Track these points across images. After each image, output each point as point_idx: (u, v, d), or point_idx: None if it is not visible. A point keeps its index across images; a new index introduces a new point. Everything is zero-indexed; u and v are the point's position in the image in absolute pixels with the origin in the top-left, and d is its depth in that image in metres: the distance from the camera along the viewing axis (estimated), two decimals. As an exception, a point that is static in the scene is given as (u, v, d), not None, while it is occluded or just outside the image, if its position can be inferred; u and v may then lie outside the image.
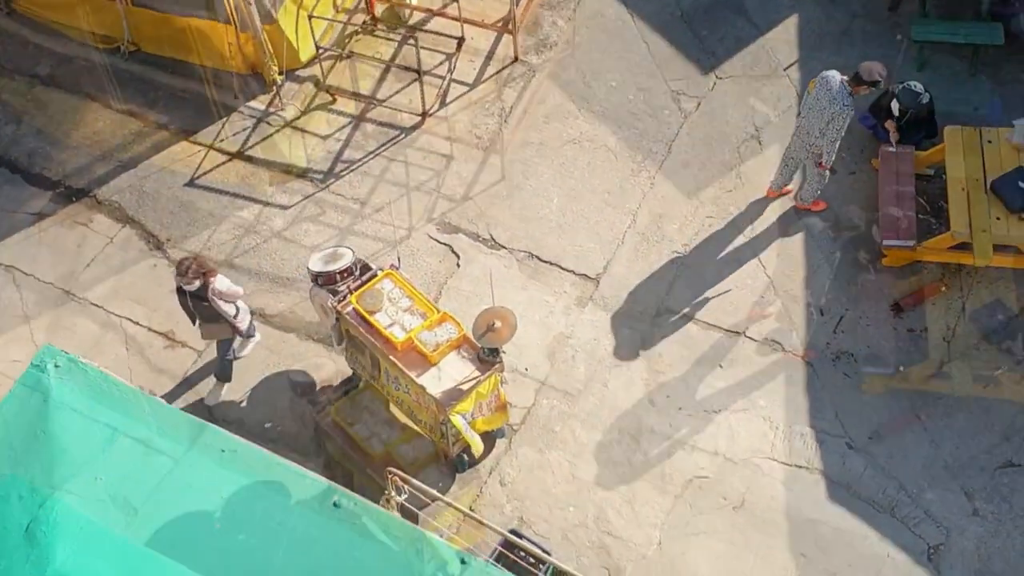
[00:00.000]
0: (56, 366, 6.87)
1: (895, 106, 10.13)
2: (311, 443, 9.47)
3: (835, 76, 9.38)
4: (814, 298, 9.92)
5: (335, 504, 6.42)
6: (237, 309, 9.38)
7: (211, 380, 9.74)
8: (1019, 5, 11.13)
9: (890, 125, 10.20)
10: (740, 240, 10.30)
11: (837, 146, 9.57)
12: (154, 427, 6.72)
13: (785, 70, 11.25)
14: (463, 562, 6.21)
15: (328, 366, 9.85)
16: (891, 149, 10.11)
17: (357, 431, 9.31)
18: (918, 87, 10.17)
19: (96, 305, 10.30)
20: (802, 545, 8.79)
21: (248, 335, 9.70)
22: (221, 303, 9.18)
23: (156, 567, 6.07)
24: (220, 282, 9.14)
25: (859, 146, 10.65)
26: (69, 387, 6.83)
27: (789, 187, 10.38)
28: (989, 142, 9.88)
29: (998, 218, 9.51)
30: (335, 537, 6.32)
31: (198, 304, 9.20)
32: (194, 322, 9.42)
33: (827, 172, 9.86)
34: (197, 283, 9.02)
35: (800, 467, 9.16)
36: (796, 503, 8.98)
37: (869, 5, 11.57)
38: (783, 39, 11.44)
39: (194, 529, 6.29)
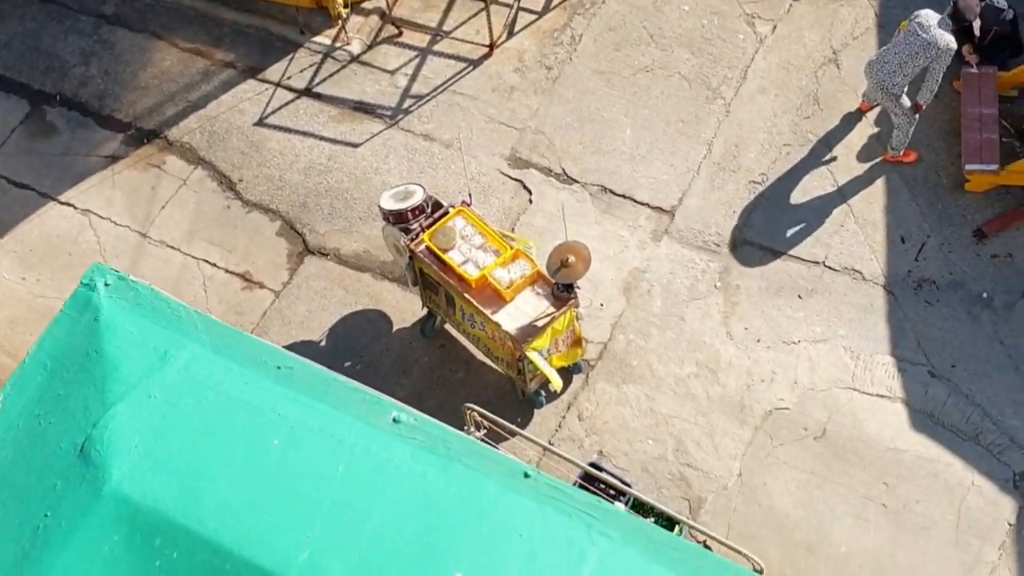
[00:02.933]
0: (106, 284, 6.71)
1: (976, 25, 9.77)
2: (391, 371, 9.55)
3: (931, 16, 9.02)
4: (895, 225, 9.74)
5: (395, 420, 6.25)
6: None
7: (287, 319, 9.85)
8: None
9: (967, 50, 9.84)
10: (819, 168, 10.10)
11: (937, 87, 9.27)
12: (207, 344, 6.51)
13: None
14: (526, 476, 6.11)
15: (403, 305, 9.91)
16: (973, 70, 9.80)
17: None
18: (1001, 3, 9.80)
19: (172, 247, 10.42)
20: (885, 474, 8.77)
21: None
22: None
23: (212, 485, 5.88)
24: None
25: (940, 67, 10.35)
26: (120, 305, 6.64)
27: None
28: (1079, 60, 9.55)
29: (1087, 139, 9.24)
30: (395, 452, 6.10)
31: None
32: None
33: (916, 116, 9.57)
34: None
35: (882, 396, 9.09)
36: (878, 433, 8.93)
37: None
38: (864, -43, 11.09)
39: (251, 447, 6.07)
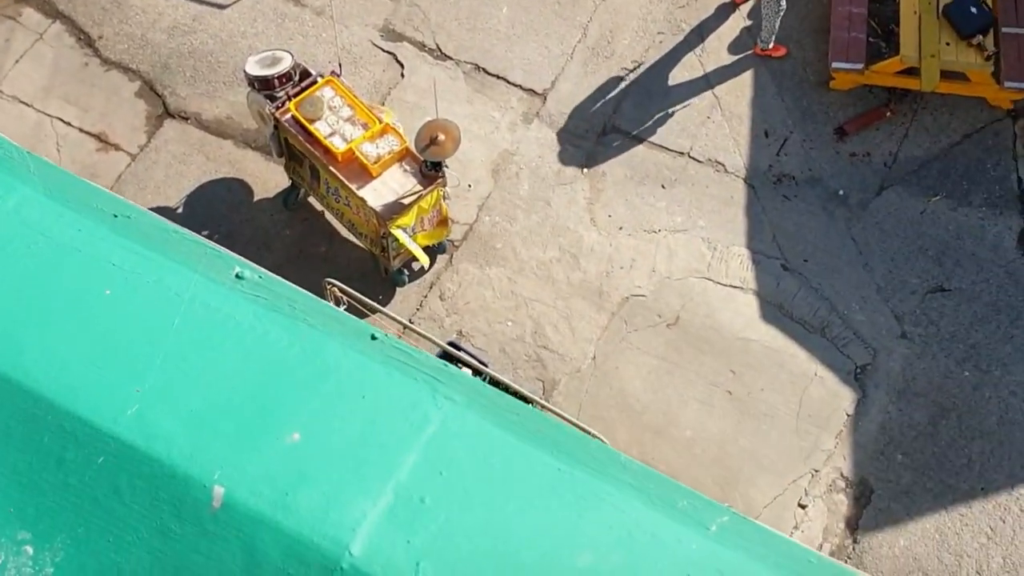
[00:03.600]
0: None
1: None
2: (251, 243, 9.38)
3: None
4: (760, 119, 9.87)
5: (238, 276, 6.06)
6: None
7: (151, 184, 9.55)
8: None
9: None
10: (690, 59, 10.13)
11: None
12: (40, 187, 6.22)
13: None
14: (373, 338, 6.01)
15: (266, 175, 9.68)
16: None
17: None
18: None
19: (25, 103, 9.94)
20: (732, 362, 9.03)
21: None
22: None
23: (37, 335, 5.66)
24: None
25: (816, -35, 10.43)
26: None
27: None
28: (946, -35, 9.70)
29: (948, 44, 9.43)
30: (236, 308, 5.90)
31: None
32: None
33: (783, 5, 9.61)
34: None
35: (735, 287, 9.31)
36: (729, 322, 9.17)
37: None
38: None
39: (81, 297, 5.82)
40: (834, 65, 9.68)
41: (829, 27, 9.83)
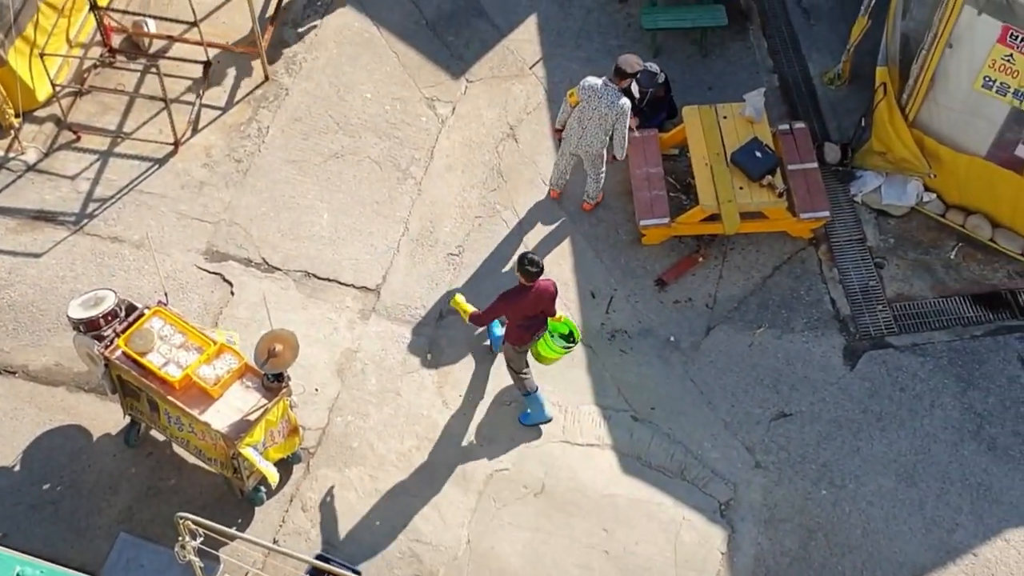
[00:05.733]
0: None
1: (635, 88, 10.58)
2: (96, 489, 9.02)
3: (596, 81, 9.63)
4: (585, 282, 10.30)
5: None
6: None
7: None
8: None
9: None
10: (511, 235, 10.55)
11: (627, 140, 9.90)
12: None
13: (531, 68, 11.61)
14: None
15: (103, 416, 9.41)
16: (636, 134, 10.59)
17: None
18: (654, 67, 10.68)
19: None
20: (603, 521, 9.11)
21: None
22: None
23: None
24: None
25: (609, 134, 11.14)
26: None
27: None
28: (724, 117, 10.53)
29: (741, 187, 10.16)
30: None
31: None
32: None
33: (603, 170, 10.22)
34: None
35: (592, 445, 9.48)
36: (592, 481, 9.29)
37: (601, -1, 12.12)
38: (525, 39, 11.79)
39: None
40: (642, 222, 10.26)
41: (632, 189, 10.45)
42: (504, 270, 10.33)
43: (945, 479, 9.25)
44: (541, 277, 8.76)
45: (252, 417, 8.43)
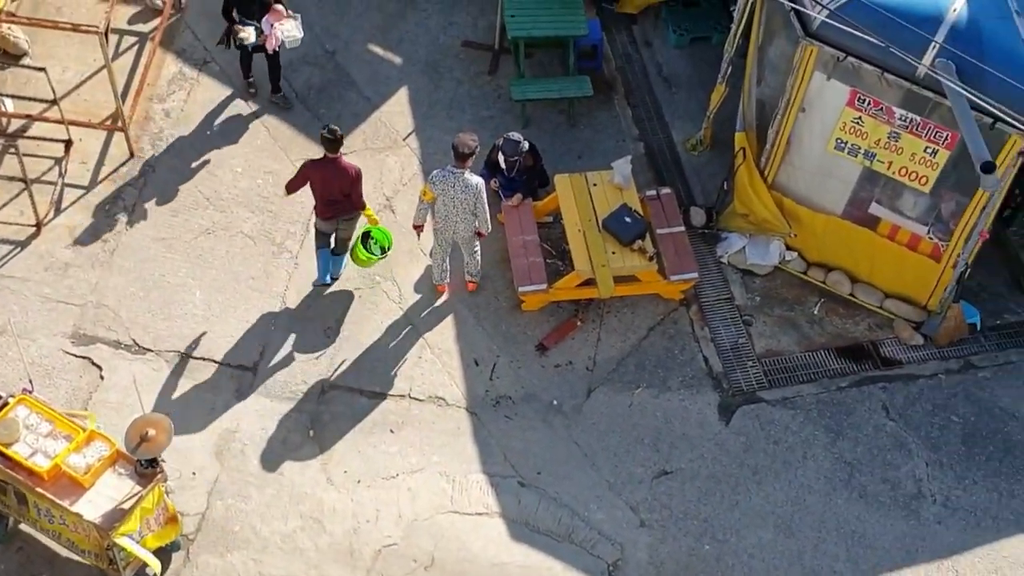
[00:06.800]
0: None
1: (501, 158, 10.79)
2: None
3: (439, 173, 9.81)
4: (468, 350, 10.36)
5: None
6: None
7: None
8: (599, 58, 12.35)
9: (493, 184, 10.86)
10: (391, 307, 10.55)
11: (488, 215, 10.04)
12: None
13: (404, 140, 11.72)
14: None
15: (-31, 511, 8.94)
16: (510, 203, 10.79)
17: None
18: (516, 136, 10.72)
19: None
20: (495, 590, 9.11)
21: None
22: None
23: None
24: None
25: (483, 202, 11.29)
26: None
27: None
28: (595, 185, 10.82)
29: (613, 252, 10.43)
30: None
31: None
32: None
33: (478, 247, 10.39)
34: None
35: (481, 514, 9.48)
36: (482, 550, 9.28)
37: (471, 71, 12.32)
38: (397, 110, 11.91)
39: None
40: (521, 289, 10.41)
41: (509, 257, 10.61)
42: (383, 341, 10.30)
43: (821, 528, 9.58)
44: (348, 161, 9.86)
45: (126, 505, 8.23)
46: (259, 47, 11.13)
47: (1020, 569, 9.39)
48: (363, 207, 10.13)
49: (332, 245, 10.35)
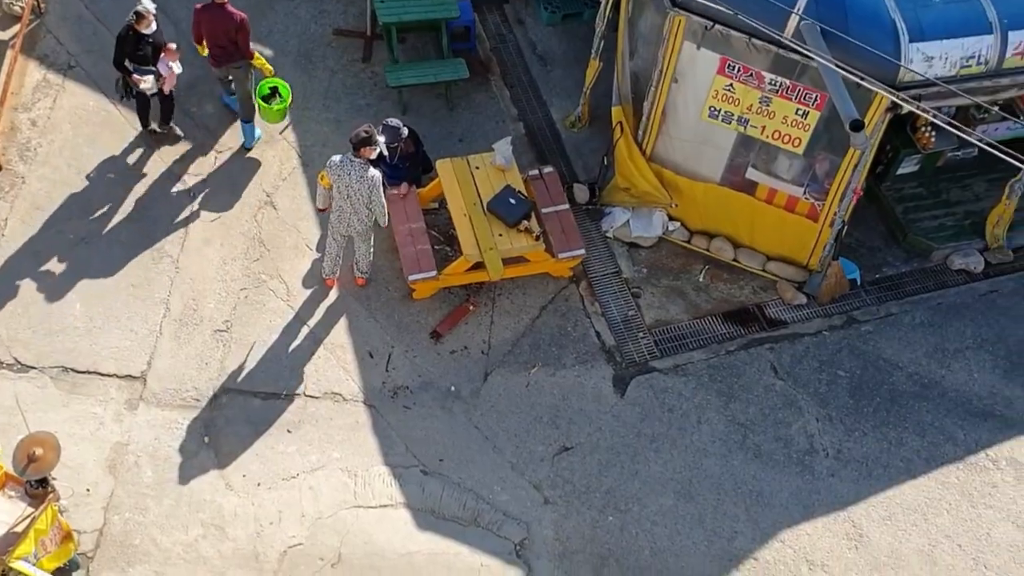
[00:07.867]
0: None
1: (384, 145, 10.65)
2: None
3: (337, 159, 9.64)
4: (361, 343, 10.29)
5: None
6: None
7: None
8: (472, 39, 12.32)
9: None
10: (279, 305, 10.42)
11: (385, 207, 9.92)
12: None
13: (281, 134, 11.54)
14: None
15: None
16: (395, 192, 10.71)
17: None
18: (395, 122, 10.56)
19: None
20: (404, 580, 9.12)
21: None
22: None
23: None
24: None
25: (367, 192, 11.19)
26: None
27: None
28: (477, 168, 10.82)
29: (500, 234, 10.45)
30: None
31: None
32: None
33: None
34: None
35: (385, 506, 9.46)
36: (389, 542, 9.27)
37: (344, 59, 12.19)
38: (272, 104, 11.72)
39: None
40: (411, 278, 10.37)
41: (397, 246, 10.55)
42: (273, 340, 10.17)
43: (720, 491, 9.81)
44: (234, 9, 10.51)
45: (19, 528, 8.02)
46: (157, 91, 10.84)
47: (913, 514, 9.76)
48: (251, 56, 10.81)
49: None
